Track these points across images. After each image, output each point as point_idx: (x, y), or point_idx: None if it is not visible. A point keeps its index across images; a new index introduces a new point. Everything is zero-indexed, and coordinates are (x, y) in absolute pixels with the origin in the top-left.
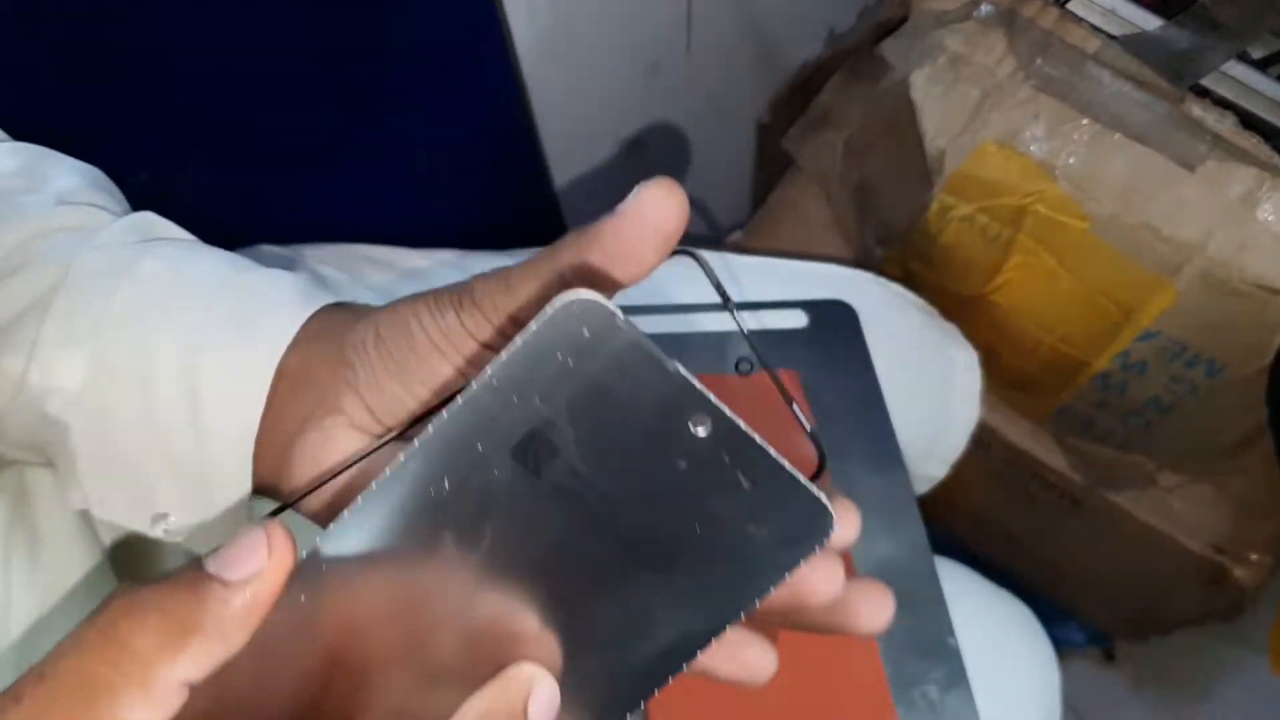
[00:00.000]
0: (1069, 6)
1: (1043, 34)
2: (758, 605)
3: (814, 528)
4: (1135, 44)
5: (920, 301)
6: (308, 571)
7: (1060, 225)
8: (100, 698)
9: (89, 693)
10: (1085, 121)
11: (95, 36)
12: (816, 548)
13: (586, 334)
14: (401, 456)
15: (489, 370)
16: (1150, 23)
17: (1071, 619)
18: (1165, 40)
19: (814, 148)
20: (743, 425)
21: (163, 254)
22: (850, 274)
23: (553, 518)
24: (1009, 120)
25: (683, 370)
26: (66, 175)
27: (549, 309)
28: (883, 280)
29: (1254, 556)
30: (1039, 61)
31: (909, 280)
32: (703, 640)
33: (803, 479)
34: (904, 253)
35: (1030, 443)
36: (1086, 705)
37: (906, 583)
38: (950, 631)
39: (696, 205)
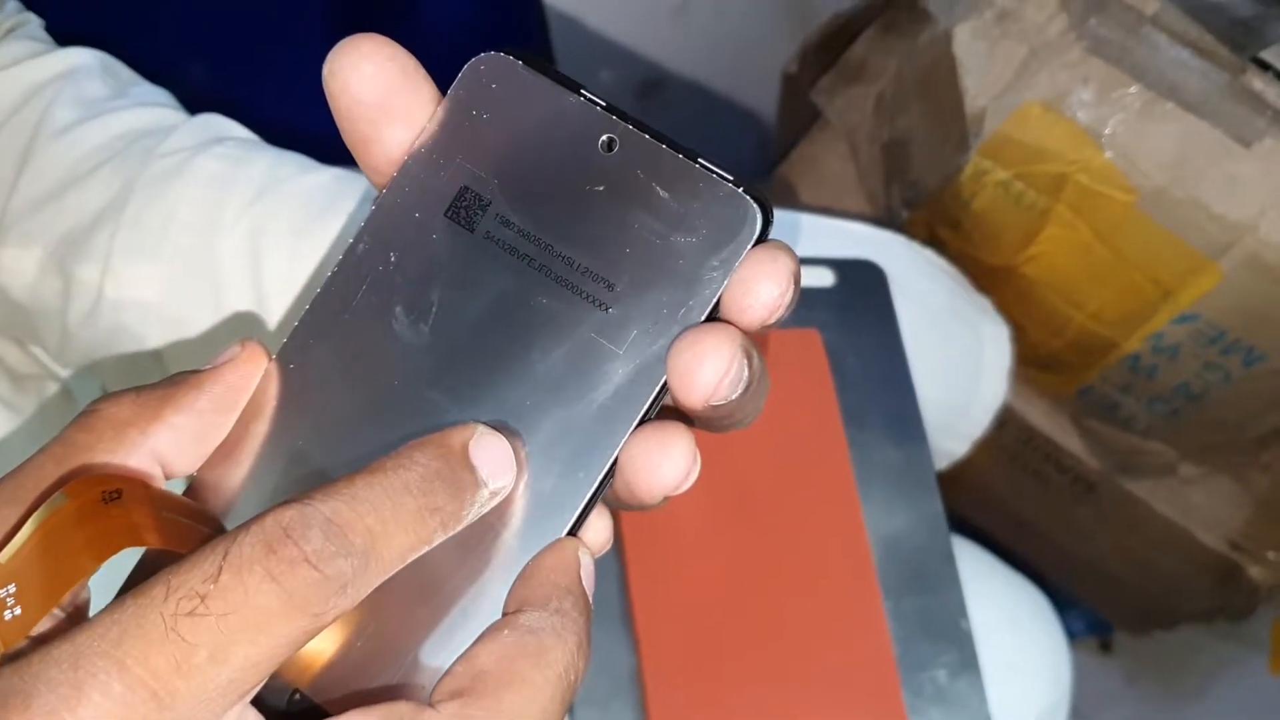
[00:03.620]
0: None
1: None
2: (703, 316)
3: (742, 223)
4: (1196, 9)
5: (952, 269)
6: (280, 373)
7: (1102, 197)
8: (76, 458)
9: (68, 454)
10: (1137, 88)
11: None
12: (748, 244)
13: (495, 88)
14: (351, 240)
15: (416, 142)
16: None
17: (1073, 606)
18: (1227, 6)
19: (844, 101)
20: (649, 135)
21: (224, 154)
22: (880, 234)
23: (493, 270)
24: (1056, 82)
25: (586, 93)
26: (143, 83)
27: (460, 76)
28: (914, 244)
29: (1271, 555)
30: (1092, 21)
31: (935, 245)
32: (657, 372)
33: (719, 172)
34: (931, 216)
35: (1048, 423)
36: (1079, 695)
37: (921, 561)
38: (963, 614)
39: (714, 154)
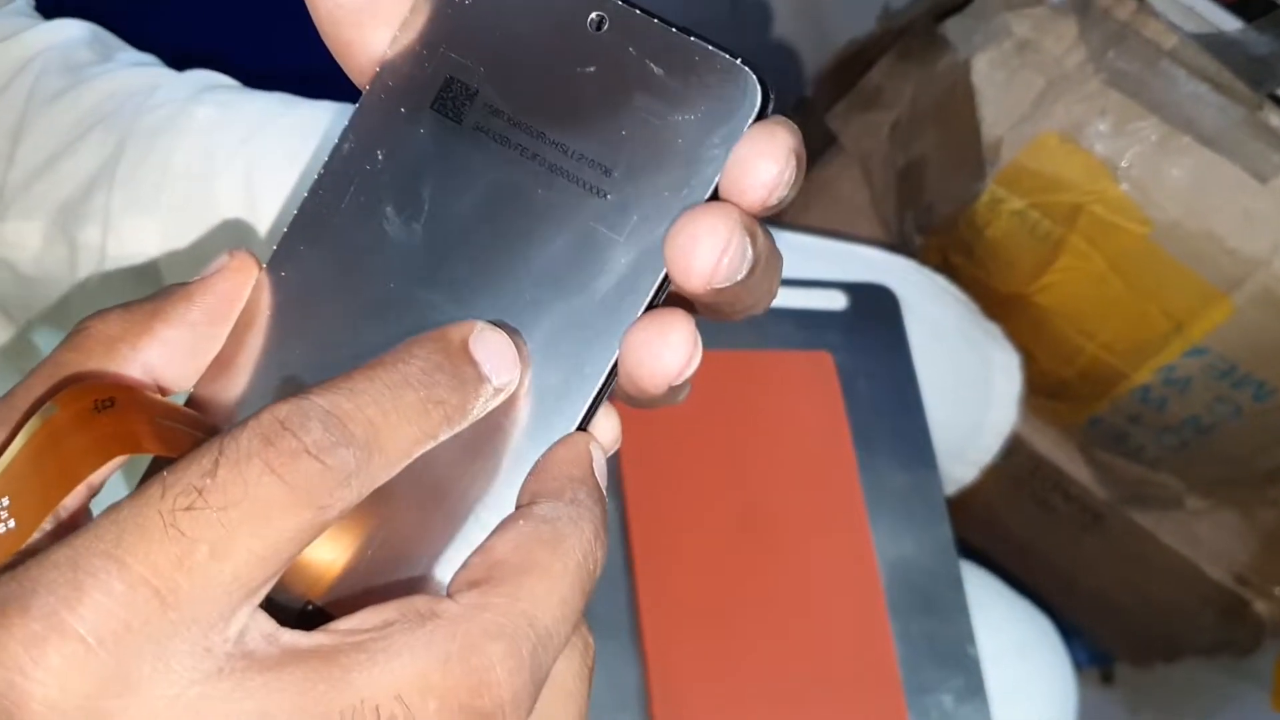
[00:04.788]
0: None
1: (1117, 25)
2: (705, 196)
3: (742, 97)
4: (1214, 44)
5: (963, 296)
6: (272, 281)
7: (1117, 228)
8: (66, 375)
9: (57, 372)
10: (1154, 121)
11: None
12: (749, 119)
13: None
14: (336, 140)
15: (396, 34)
16: (1231, 24)
17: (1075, 636)
18: (1245, 43)
19: (860, 126)
20: (640, 10)
21: (215, 99)
22: (892, 260)
23: (484, 162)
24: (1073, 113)
25: None
26: (130, 50)
27: None
28: (926, 270)
29: (1277, 591)
30: (1111, 54)
31: (947, 272)
32: (660, 258)
33: (715, 46)
34: (945, 243)
35: (1056, 452)
36: None
37: (929, 585)
38: (971, 640)
39: None
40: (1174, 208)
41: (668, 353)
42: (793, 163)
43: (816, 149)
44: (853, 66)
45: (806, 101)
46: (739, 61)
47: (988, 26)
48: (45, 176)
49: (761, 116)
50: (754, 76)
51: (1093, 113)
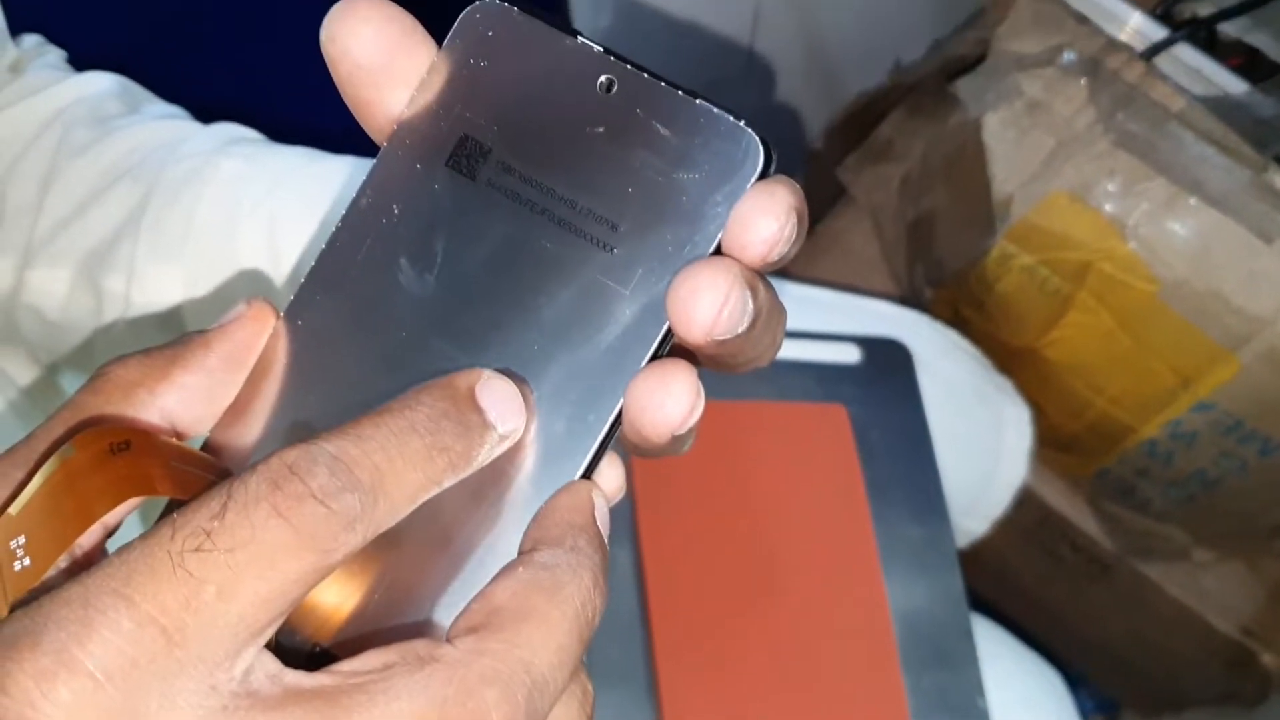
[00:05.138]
0: (1155, 62)
1: (1126, 88)
2: (708, 252)
3: (744, 157)
4: (1221, 107)
5: (974, 350)
6: (288, 330)
7: (1125, 285)
8: (84, 418)
9: (75, 416)
10: (1162, 181)
11: None
12: (751, 178)
13: (491, 34)
14: (354, 195)
15: (414, 93)
16: (1237, 87)
17: (1082, 686)
18: (1252, 107)
19: (870, 180)
20: (648, 74)
21: (240, 152)
22: (904, 314)
23: (496, 217)
24: (1083, 172)
25: (584, 38)
26: (158, 103)
27: (456, 25)
28: (938, 324)
29: None
30: (1120, 116)
31: (958, 326)
32: (664, 310)
33: (718, 109)
34: (955, 296)
35: (1064, 504)
36: None
37: (941, 637)
38: (980, 691)
39: None
40: (1181, 267)
41: (670, 402)
42: (793, 220)
43: (827, 201)
44: (863, 120)
45: (817, 154)
46: (742, 123)
47: (999, 86)
48: (73, 226)
49: (764, 175)
50: (756, 137)
51: (1102, 172)
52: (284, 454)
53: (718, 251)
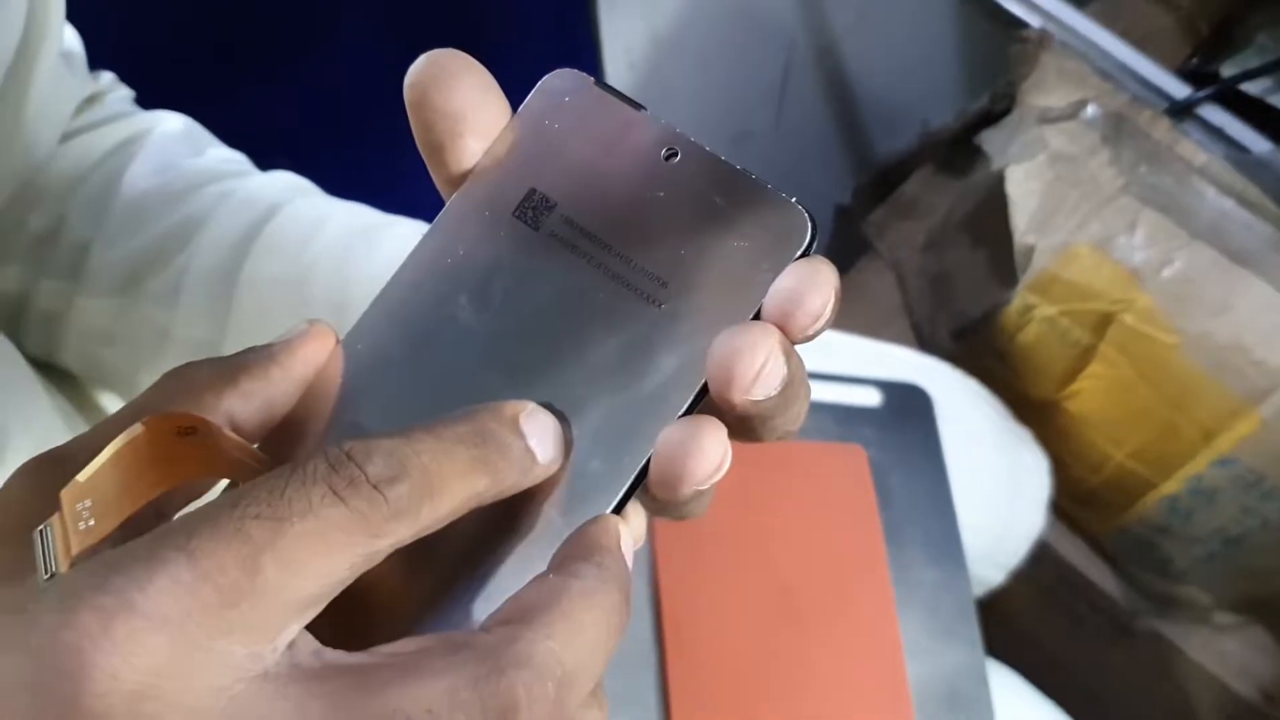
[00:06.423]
0: (1178, 119)
1: (1150, 143)
2: (750, 315)
3: (792, 232)
4: (1243, 163)
5: (994, 400)
6: (346, 353)
7: (1146, 338)
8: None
9: (145, 407)
10: (1184, 235)
11: None
12: (797, 251)
13: (567, 100)
14: (423, 235)
15: (491, 145)
16: (1260, 145)
17: None
18: (1273, 163)
19: (895, 234)
20: (709, 149)
21: (292, 213)
22: (925, 360)
23: (554, 265)
24: (1106, 226)
25: (650, 113)
26: (222, 147)
27: (535, 89)
28: (958, 372)
29: None
30: (1143, 170)
31: (978, 375)
32: (701, 368)
33: (771, 187)
34: (977, 346)
35: (1084, 562)
36: None
37: (956, 682)
38: None
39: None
40: (1202, 320)
41: (699, 454)
42: (835, 299)
43: (852, 254)
44: (890, 176)
45: (844, 209)
46: (794, 200)
47: (1023, 139)
48: (127, 258)
49: (808, 251)
50: (806, 214)
51: (1124, 226)
52: (344, 443)
53: (756, 316)
